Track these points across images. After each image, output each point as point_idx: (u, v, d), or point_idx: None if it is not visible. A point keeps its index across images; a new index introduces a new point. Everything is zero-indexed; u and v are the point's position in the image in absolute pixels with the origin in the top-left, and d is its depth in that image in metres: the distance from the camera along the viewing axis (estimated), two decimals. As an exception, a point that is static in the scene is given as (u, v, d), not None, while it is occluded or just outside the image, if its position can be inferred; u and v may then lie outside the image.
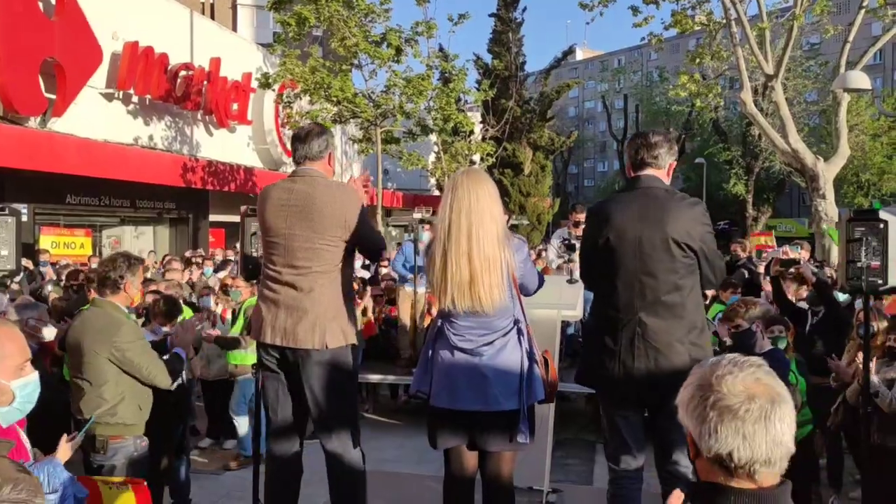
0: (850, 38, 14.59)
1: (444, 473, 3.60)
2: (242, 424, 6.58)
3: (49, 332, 5.00)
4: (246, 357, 6.51)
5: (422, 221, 9.51)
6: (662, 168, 3.43)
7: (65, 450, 2.95)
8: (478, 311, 3.23)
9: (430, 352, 3.41)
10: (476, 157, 20.30)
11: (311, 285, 3.65)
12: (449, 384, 3.31)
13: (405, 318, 8.35)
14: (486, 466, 3.49)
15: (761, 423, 1.39)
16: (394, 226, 27.05)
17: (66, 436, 3.00)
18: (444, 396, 3.33)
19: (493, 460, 3.46)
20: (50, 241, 15.16)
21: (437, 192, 23.77)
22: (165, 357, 3.98)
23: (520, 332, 3.35)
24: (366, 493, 3.85)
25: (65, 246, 15.63)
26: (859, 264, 3.55)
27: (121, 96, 16.93)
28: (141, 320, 5.35)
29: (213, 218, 20.96)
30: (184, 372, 4.90)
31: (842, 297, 7.52)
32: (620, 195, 3.53)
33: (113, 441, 3.76)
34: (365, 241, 3.79)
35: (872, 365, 4.21)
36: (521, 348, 3.33)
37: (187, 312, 6.06)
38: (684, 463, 3.30)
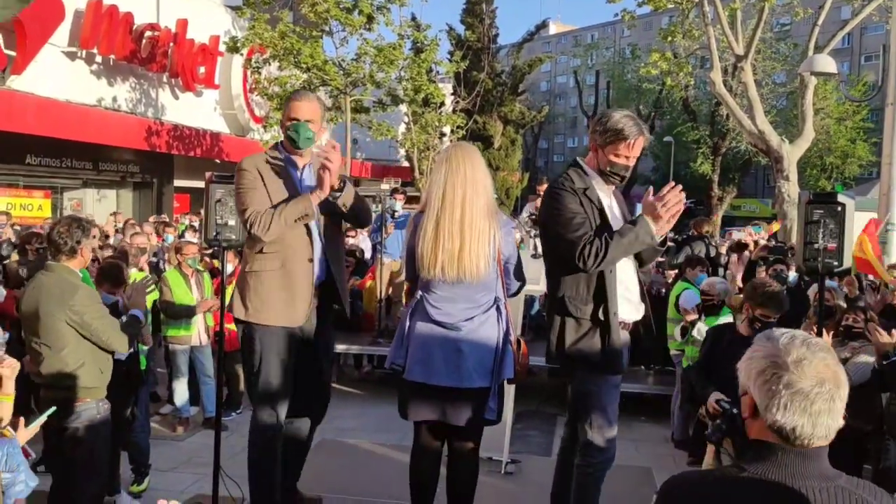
0: (819, 22, 14.72)
1: (412, 444, 3.65)
2: (179, 390, 6.69)
3: None
4: (178, 330, 6.55)
5: (394, 191, 9.47)
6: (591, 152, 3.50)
7: (24, 432, 2.92)
8: (463, 281, 3.28)
9: (408, 324, 3.43)
10: (446, 129, 20.21)
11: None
12: (424, 358, 3.35)
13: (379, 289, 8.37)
14: (454, 440, 3.54)
15: (826, 405, 1.54)
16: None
17: (22, 419, 2.97)
18: (418, 370, 3.37)
19: (461, 435, 3.51)
20: (5, 203, 14.79)
21: (405, 163, 23.65)
22: (122, 319, 3.95)
23: (499, 310, 3.41)
24: (262, 459, 3.83)
25: (21, 207, 15.23)
26: (816, 246, 3.64)
27: (84, 55, 16.50)
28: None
29: (177, 183, 20.64)
30: (136, 341, 4.88)
31: (791, 276, 7.72)
32: None
33: (76, 404, 3.76)
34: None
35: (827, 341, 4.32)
36: (499, 327, 3.39)
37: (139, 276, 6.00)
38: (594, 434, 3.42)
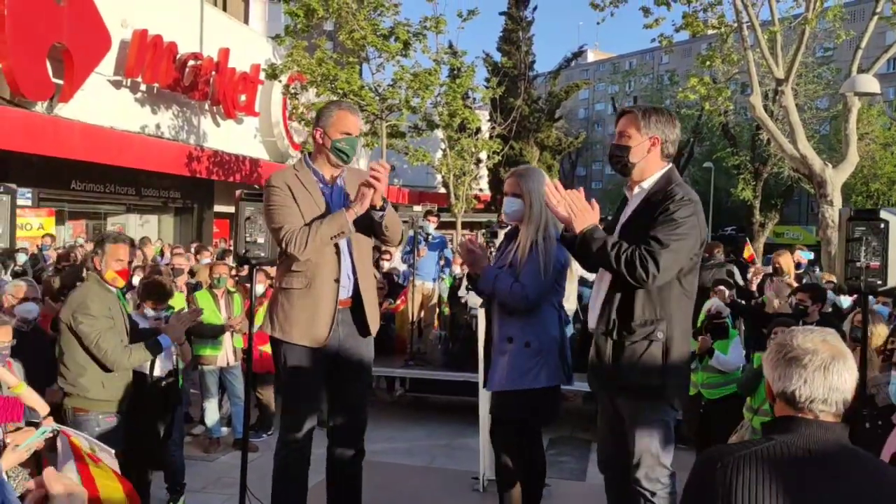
0: (863, 45, 14.44)
1: (496, 450, 3.88)
2: (209, 410, 6.73)
3: (25, 309, 4.92)
4: (205, 349, 6.58)
5: (427, 213, 9.45)
6: None
7: (9, 457, 2.85)
8: None
9: (561, 339, 3.73)
10: (482, 155, 20.24)
11: None
12: (564, 364, 3.73)
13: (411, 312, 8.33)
14: (532, 434, 3.92)
15: (820, 372, 1.76)
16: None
17: (13, 440, 2.92)
18: (570, 374, 3.80)
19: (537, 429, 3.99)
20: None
21: (442, 190, 23.70)
22: (148, 340, 3.97)
23: None
24: (278, 479, 3.73)
25: (20, 227, 14.34)
26: (858, 264, 3.49)
27: (128, 84, 16.94)
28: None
29: (217, 209, 20.97)
30: (174, 357, 4.89)
31: (846, 302, 7.41)
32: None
33: (76, 413, 3.80)
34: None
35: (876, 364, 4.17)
36: None
37: (179, 299, 6.07)
38: None
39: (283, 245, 3.51)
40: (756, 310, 7.33)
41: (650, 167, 3.17)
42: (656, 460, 3.08)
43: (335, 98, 16.40)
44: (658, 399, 3.08)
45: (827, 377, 1.75)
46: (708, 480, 1.78)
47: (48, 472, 1.34)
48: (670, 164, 3.23)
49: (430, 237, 8.61)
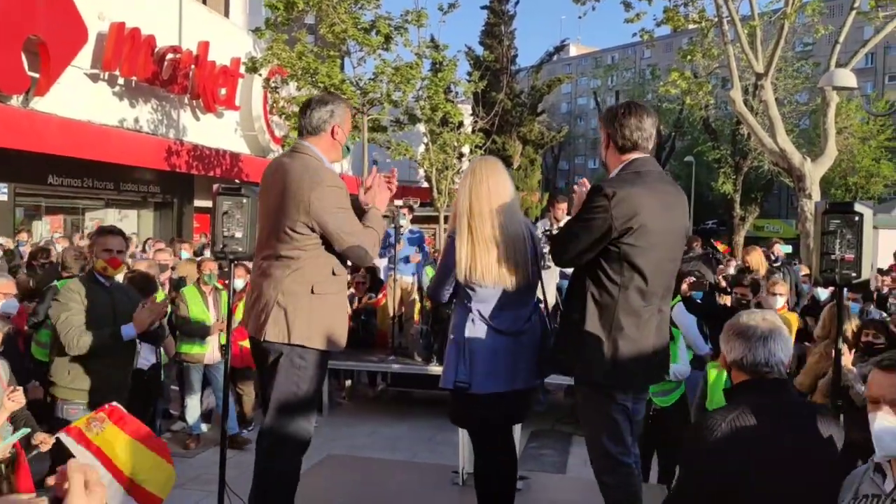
0: (841, 39, 14.57)
1: (475, 456, 3.74)
2: (190, 407, 6.70)
3: (11, 305, 4.87)
4: (192, 347, 6.55)
5: (404, 206, 9.43)
6: None
7: None
8: (508, 290, 3.35)
9: (464, 339, 3.41)
10: (465, 149, 20.23)
11: (275, 271, 3.39)
12: (494, 368, 3.38)
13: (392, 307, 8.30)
14: (502, 439, 3.68)
15: (761, 342, 2.23)
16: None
17: None
18: (490, 381, 3.38)
19: (508, 432, 3.69)
20: None
21: (425, 184, 23.69)
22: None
23: (536, 308, 3.54)
24: (282, 485, 3.56)
25: None
26: (833, 256, 3.52)
27: (106, 77, 16.73)
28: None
29: (198, 203, 20.79)
30: (159, 351, 4.90)
31: (823, 294, 7.45)
32: (639, 178, 3.05)
33: (55, 400, 3.96)
34: (336, 241, 3.35)
35: (848, 359, 4.20)
36: (543, 324, 3.54)
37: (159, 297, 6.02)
38: None
39: (370, 252, 3.33)
40: (708, 308, 7.20)
41: (611, 163, 3.19)
42: (601, 450, 3.10)
43: (316, 91, 16.30)
44: (588, 385, 3.12)
45: (766, 346, 2.23)
46: (702, 448, 2.16)
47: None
48: (631, 157, 3.07)
49: (402, 229, 8.54)
